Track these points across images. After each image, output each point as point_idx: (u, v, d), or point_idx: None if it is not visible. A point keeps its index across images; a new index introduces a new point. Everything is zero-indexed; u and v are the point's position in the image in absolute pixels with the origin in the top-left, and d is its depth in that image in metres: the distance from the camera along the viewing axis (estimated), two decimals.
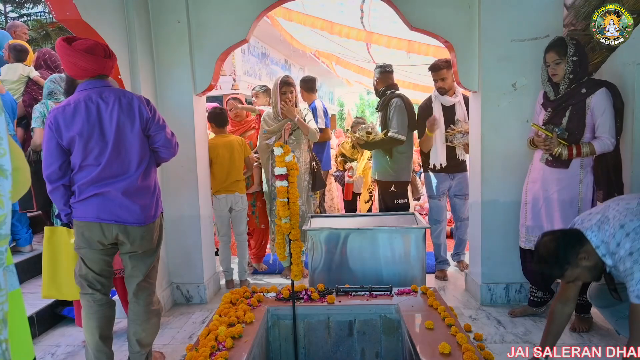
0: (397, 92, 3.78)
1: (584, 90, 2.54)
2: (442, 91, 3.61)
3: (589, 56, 2.83)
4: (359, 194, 4.82)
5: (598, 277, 1.89)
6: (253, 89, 4.46)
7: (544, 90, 2.74)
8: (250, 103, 4.54)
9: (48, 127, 1.98)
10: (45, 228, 2.38)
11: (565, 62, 2.55)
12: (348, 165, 4.79)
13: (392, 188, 3.76)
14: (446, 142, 3.60)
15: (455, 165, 3.64)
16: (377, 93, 3.94)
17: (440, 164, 3.61)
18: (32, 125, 3.32)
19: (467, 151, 3.54)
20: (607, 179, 2.62)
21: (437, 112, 3.62)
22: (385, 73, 3.84)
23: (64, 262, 2.30)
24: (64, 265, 2.30)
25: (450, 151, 3.62)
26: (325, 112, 4.40)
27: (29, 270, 3.50)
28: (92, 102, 2.00)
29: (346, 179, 4.78)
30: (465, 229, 3.72)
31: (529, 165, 2.90)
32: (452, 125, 3.60)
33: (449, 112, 3.63)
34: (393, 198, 3.77)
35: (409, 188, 4.06)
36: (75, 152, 1.99)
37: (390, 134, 3.63)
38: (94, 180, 2.00)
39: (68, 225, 2.17)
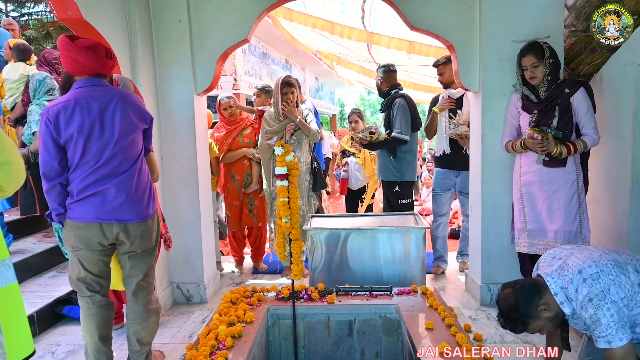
0: (400, 92, 3.79)
1: (567, 90, 2.60)
2: (444, 85, 3.73)
3: (589, 57, 2.84)
4: (355, 191, 4.78)
5: (559, 326, 1.87)
6: (255, 87, 4.46)
7: (524, 93, 2.76)
8: (250, 103, 4.53)
9: (45, 124, 1.95)
10: None
11: (543, 64, 2.61)
12: (344, 160, 4.79)
13: (397, 188, 3.78)
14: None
15: (460, 161, 3.65)
16: (381, 93, 3.95)
17: (444, 152, 3.71)
18: (35, 129, 3.33)
19: (462, 143, 3.59)
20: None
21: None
22: (389, 72, 3.87)
23: None
24: None
25: (457, 144, 3.66)
26: (316, 112, 4.38)
27: (30, 269, 3.50)
28: (92, 99, 1.98)
29: (342, 173, 4.78)
30: (468, 225, 3.73)
31: None
32: (446, 116, 3.66)
33: (456, 104, 3.69)
34: (397, 198, 3.79)
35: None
36: (72, 149, 1.97)
37: (393, 134, 3.65)
38: (92, 178, 1.98)
39: (61, 224, 2.13)
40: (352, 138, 4.62)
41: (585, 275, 1.68)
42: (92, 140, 1.97)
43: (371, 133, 3.81)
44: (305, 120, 3.64)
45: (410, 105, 3.74)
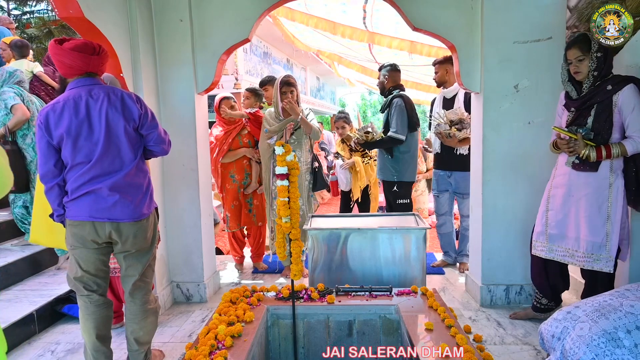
0: (400, 92, 3.81)
1: (609, 87, 2.37)
2: (437, 84, 3.83)
3: None
4: (348, 192, 4.77)
5: None
6: (246, 89, 4.39)
7: (566, 90, 2.57)
8: None
9: (38, 127, 1.99)
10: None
11: (589, 58, 2.40)
12: (333, 163, 4.81)
13: (395, 188, 3.79)
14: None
15: (451, 161, 3.67)
16: (384, 92, 3.97)
17: (437, 151, 3.82)
18: (12, 103, 3.54)
19: (445, 142, 3.66)
20: (637, 180, 2.40)
21: (438, 104, 3.84)
22: (394, 71, 3.92)
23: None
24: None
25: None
26: None
27: (30, 267, 3.50)
28: (81, 100, 1.99)
29: (330, 176, 4.81)
30: (466, 225, 3.74)
31: (531, 167, 2.88)
32: (440, 113, 3.70)
33: (449, 104, 3.72)
34: (395, 198, 3.80)
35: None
36: (64, 150, 1.99)
37: (389, 133, 3.69)
38: (85, 178, 1.99)
39: (62, 224, 2.14)
40: (342, 141, 4.65)
41: None
42: (81, 140, 1.98)
43: (366, 133, 3.86)
44: (307, 119, 3.64)
45: (408, 105, 3.75)
